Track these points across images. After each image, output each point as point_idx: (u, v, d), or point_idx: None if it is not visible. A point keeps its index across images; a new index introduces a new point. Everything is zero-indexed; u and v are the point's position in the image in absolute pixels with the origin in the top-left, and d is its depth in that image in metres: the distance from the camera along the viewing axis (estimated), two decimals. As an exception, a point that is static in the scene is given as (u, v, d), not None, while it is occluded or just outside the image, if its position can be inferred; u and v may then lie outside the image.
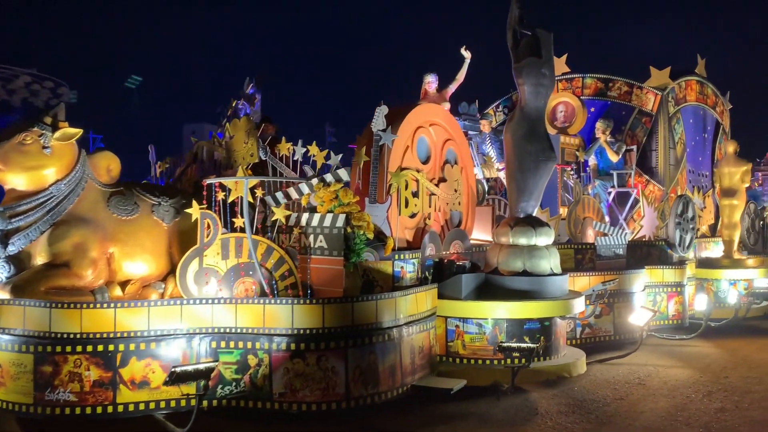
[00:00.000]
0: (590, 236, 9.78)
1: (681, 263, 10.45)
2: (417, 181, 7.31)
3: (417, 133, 7.45)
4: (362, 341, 5.80)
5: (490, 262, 7.60)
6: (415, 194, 7.32)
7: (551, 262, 7.41)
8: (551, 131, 12.92)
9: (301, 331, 5.62)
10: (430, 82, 10.77)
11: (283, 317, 5.64)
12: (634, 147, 12.25)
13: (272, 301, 5.68)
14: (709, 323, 10.93)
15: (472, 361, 6.97)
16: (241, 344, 5.70)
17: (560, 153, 12.19)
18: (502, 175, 13.69)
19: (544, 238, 7.47)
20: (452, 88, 10.91)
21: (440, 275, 7.29)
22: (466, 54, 10.71)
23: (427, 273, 7.19)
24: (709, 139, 14.13)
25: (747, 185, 12.15)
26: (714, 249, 13.19)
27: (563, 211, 11.33)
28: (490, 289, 7.35)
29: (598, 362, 8.10)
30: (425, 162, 7.64)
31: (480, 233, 8.86)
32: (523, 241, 7.43)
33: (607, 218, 11.62)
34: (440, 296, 7.10)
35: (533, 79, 7.66)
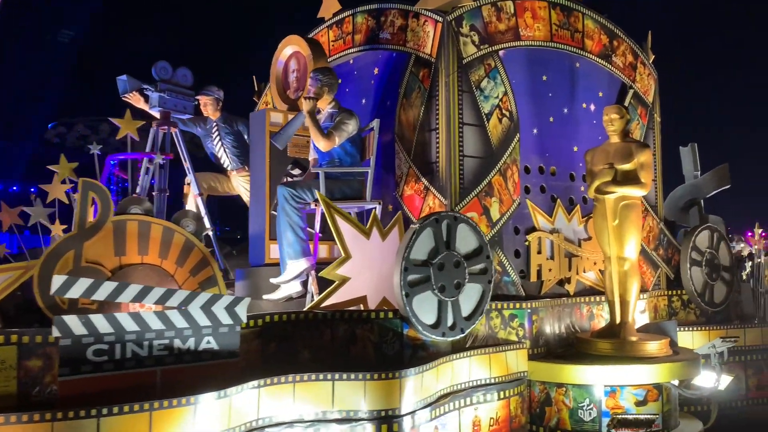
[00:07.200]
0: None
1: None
2: None
3: None
4: None
5: None
6: None
7: None
8: (282, 107, 7.25)
9: None
10: None
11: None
12: (372, 124, 6.19)
13: None
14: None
15: None
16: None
17: (265, 143, 6.52)
18: (242, 187, 8.16)
19: None
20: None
21: None
22: None
23: None
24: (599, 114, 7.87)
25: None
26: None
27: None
28: None
29: None
30: None
31: None
32: None
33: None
34: None
35: None
